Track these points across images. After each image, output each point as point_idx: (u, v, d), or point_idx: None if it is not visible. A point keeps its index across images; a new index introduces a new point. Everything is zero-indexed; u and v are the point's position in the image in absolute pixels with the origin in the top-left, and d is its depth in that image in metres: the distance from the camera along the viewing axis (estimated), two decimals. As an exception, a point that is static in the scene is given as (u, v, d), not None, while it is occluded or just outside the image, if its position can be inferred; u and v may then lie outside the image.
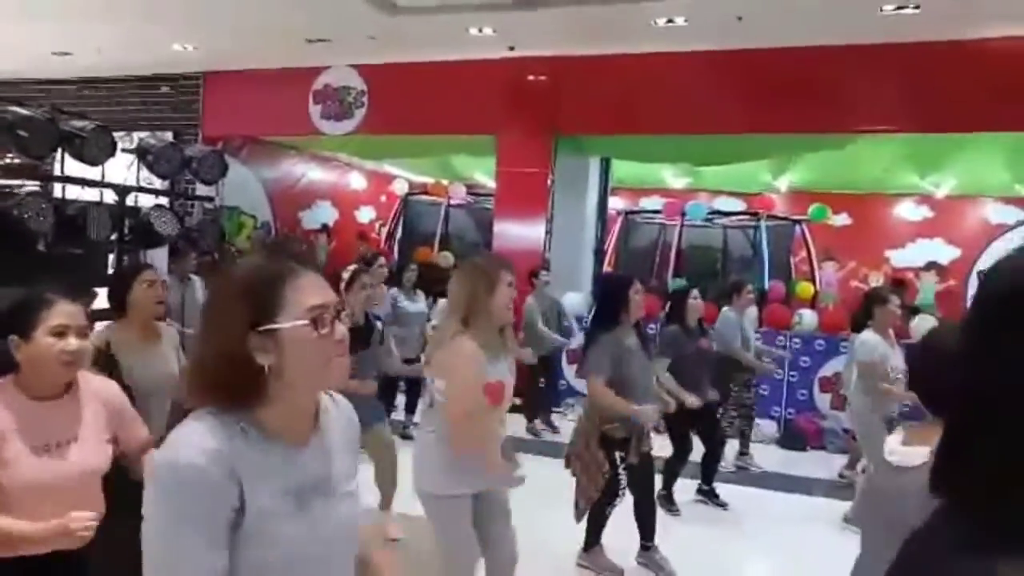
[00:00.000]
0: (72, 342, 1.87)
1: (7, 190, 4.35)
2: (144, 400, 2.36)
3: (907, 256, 10.38)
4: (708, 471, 5.06)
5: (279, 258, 1.24)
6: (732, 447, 5.87)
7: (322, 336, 1.18)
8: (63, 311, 1.88)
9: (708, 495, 5.08)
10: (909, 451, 1.58)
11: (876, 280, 10.03)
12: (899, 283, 8.80)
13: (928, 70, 6.28)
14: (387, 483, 4.17)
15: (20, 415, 1.83)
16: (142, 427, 2.09)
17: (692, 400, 4.34)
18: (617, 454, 3.66)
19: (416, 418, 5.91)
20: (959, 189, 9.82)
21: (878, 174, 9.18)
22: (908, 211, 10.64)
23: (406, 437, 5.55)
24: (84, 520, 1.77)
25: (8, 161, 5.79)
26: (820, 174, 9.49)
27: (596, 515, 3.84)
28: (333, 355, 1.21)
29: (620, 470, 3.68)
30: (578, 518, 3.76)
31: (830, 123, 6.79)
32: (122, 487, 1.94)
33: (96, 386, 2.03)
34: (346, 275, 4.05)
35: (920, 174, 9.29)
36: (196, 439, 1.14)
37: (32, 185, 5.11)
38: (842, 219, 10.41)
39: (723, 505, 5.04)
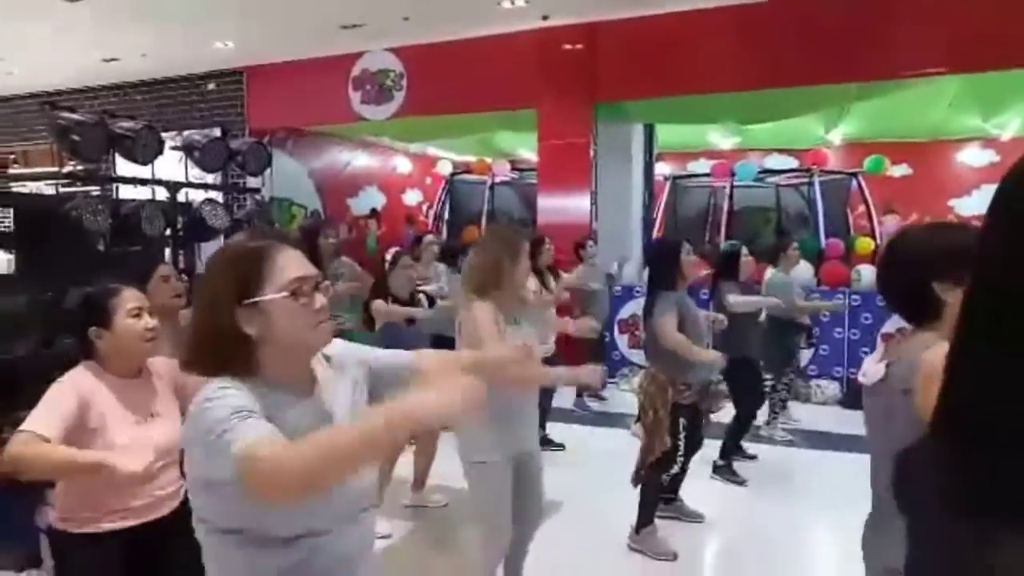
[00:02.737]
0: (148, 320, 2.04)
1: (68, 195, 4.51)
2: None
3: (973, 204, 9.88)
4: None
5: (262, 237, 1.37)
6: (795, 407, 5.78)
7: (303, 305, 1.29)
8: (132, 295, 2.05)
9: (736, 451, 4.97)
10: (877, 368, 1.53)
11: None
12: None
13: (977, 6, 5.93)
14: (426, 459, 4.26)
15: (112, 389, 1.98)
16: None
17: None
18: (682, 421, 3.63)
19: None
20: (1026, 129, 9.31)
21: (938, 120, 8.77)
22: (972, 157, 10.15)
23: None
24: (126, 465, 1.85)
25: (70, 168, 6.04)
26: (875, 124, 9.11)
27: (650, 488, 3.72)
28: (316, 321, 1.31)
29: (680, 439, 3.65)
30: (635, 482, 3.73)
31: (880, 69, 6.49)
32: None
33: (156, 365, 2.15)
34: (389, 256, 4.17)
35: (983, 116, 8.82)
36: (228, 389, 1.23)
37: (91, 188, 5.32)
38: (902, 169, 10.01)
39: (753, 457, 5.06)
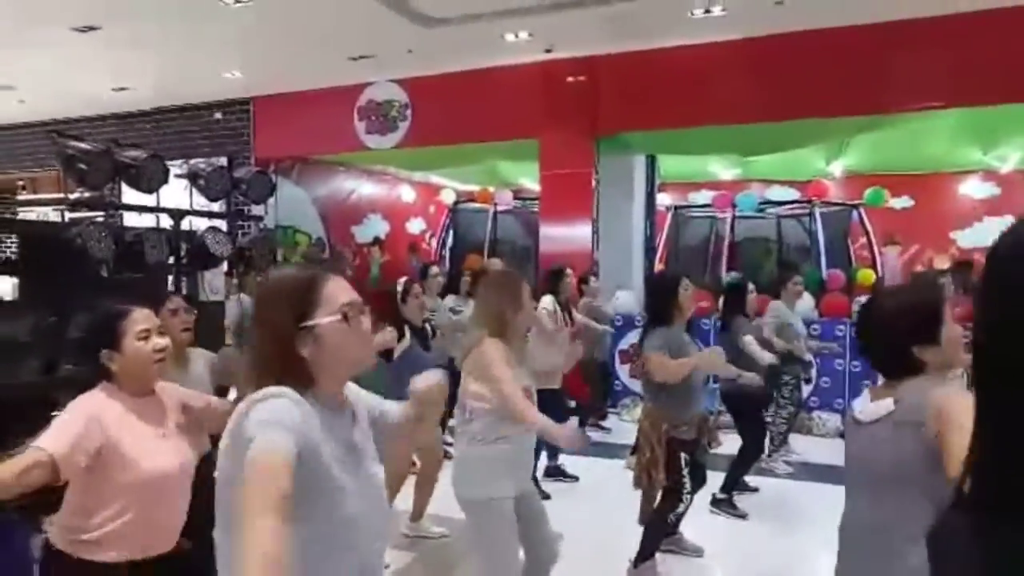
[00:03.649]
0: (158, 341, 2.07)
1: (73, 222, 4.56)
2: None
3: (973, 236, 9.93)
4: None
5: (311, 266, 1.53)
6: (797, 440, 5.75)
7: (352, 328, 1.42)
8: (141, 316, 2.07)
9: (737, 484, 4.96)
10: (876, 406, 1.65)
11: (942, 263, 9.64)
12: (960, 265, 8.43)
13: (977, 40, 6.03)
14: (427, 489, 4.23)
15: (128, 408, 2.00)
16: (204, 396, 2.24)
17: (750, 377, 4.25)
18: (683, 457, 3.59)
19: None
20: (1026, 163, 9.37)
21: (938, 152, 8.83)
22: (973, 189, 10.21)
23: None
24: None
25: (77, 195, 6.10)
26: (876, 156, 9.18)
27: (655, 526, 3.68)
28: (364, 341, 1.47)
29: (684, 474, 3.60)
30: (641, 520, 3.69)
31: (879, 103, 6.57)
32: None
33: (167, 388, 2.18)
34: (400, 287, 4.18)
35: (983, 149, 8.90)
36: (282, 398, 1.32)
37: (96, 215, 5.38)
38: (903, 201, 10.06)
39: (754, 489, 5.06)
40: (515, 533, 2.63)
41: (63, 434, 1.84)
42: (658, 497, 3.65)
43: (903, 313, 1.60)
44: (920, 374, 1.56)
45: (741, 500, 4.79)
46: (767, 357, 4.62)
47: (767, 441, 5.39)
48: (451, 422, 5.98)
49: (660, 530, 3.71)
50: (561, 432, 2.64)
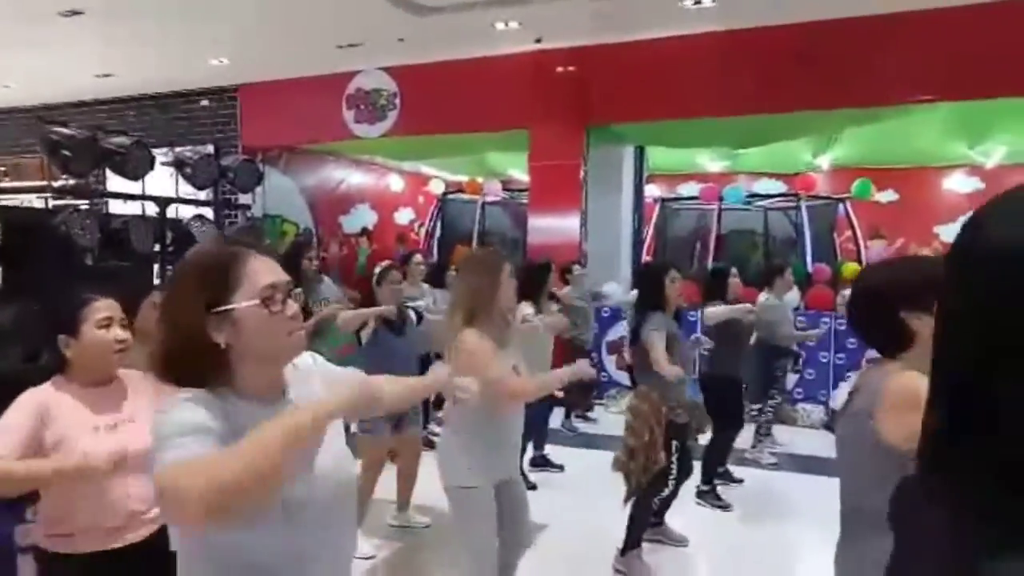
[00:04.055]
0: (119, 332, 2.04)
1: (58, 209, 4.52)
2: None
3: (957, 231, 9.99)
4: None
5: (231, 243, 1.34)
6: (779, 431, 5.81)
7: (274, 313, 1.26)
8: (104, 305, 2.04)
9: (723, 475, 5.02)
10: (839, 396, 1.66)
11: (927, 256, 9.71)
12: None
13: (967, 34, 6.04)
14: (408, 479, 4.27)
15: (75, 398, 1.98)
16: None
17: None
18: (675, 443, 3.66)
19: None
20: (1010, 158, 9.42)
21: (926, 146, 8.89)
22: (958, 183, 10.27)
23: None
24: (99, 458, 1.86)
25: (61, 182, 6.04)
26: (864, 150, 9.22)
27: (640, 510, 3.71)
28: (288, 329, 1.28)
29: (673, 459, 3.67)
30: (626, 501, 3.71)
31: (869, 96, 6.59)
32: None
33: (135, 375, 2.15)
34: (378, 271, 4.19)
35: (969, 144, 8.96)
36: (188, 402, 1.20)
37: (81, 203, 5.33)
38: (888, 195, 10.11)
39: (739, 481, 5.08)
40: (492, 519, 2.65)
41: (11, 434, 1.84)
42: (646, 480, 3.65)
43: (896, 278, 1.55)
44: (911, 347, 1.50)
45: (726, 491, 4.83)
46: (729, 310, 4.60)
47: (752, 431, 5.44)
48: (438, 413, 6.01)
49: (645, 515, 3.75)
50: (566, 373, 2.71)
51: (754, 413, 5.41)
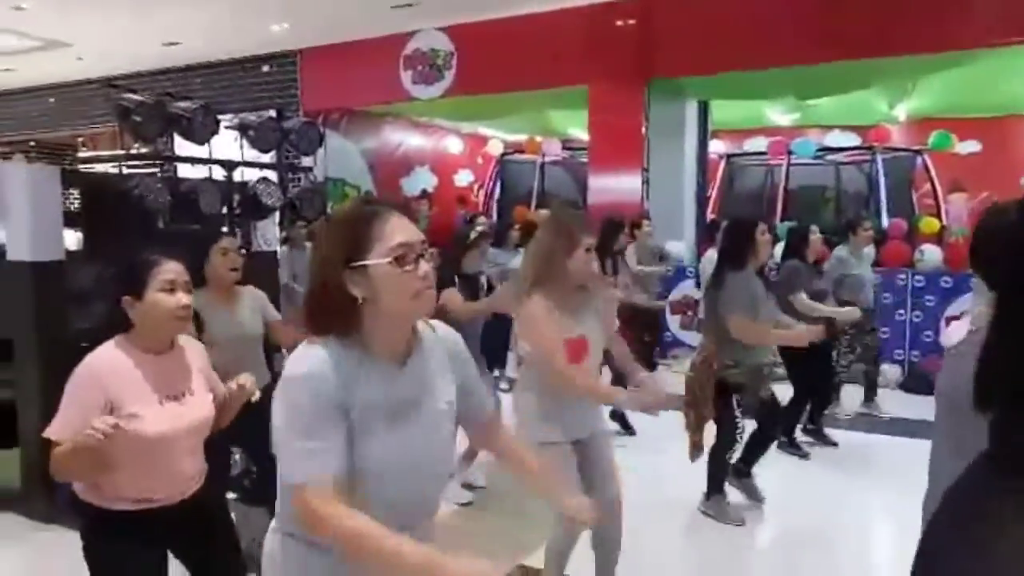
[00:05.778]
0: (182, 297, 2.01)
1: (131, 175, 4.65)
2: (221, 355, 2.44)
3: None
4: (817, 413, 5.00)
5: (374, 202, 1.41)
6: (850, 393, 5.62)
7: (405, 272, 1.31)
8: (169, 269, 2.01)
9: (816, 435, 4.99)
10: (954, 332, 1.55)
11: (1012, 210, 9.16)
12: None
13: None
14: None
15: (142, 367, 1.96)
16: (219, 382, 2.20)
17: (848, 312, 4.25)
18: (735, 398, 3.65)
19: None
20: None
21: (1010, 94, 8.33)
22: (1047, 132, 9.63)
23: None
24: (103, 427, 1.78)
25: (134, 150, 6.23)
26: (944, 99, 8.71)
27: (717, 463, 3.78)
28: (418, 289, 1.33)
29: (737, 414, 3.67)
30: (693, 457, 3.71)
31: (951, 39, 6.18)
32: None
33: (192, 345, 2.15)
34: (474, 235, 4.14)
35: (1060, 89, 8.35)
36: (317, 353, 1.32)
37: (152, 169, 5.48)
38: (971, 146, 9.55)
39: (834, 444, 4.99)
40: (573, 474, 2.61)
41: (69, 414, 1.85)
42: (704, 436, 3.66)
43: None
44: None
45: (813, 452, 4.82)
46: (824, 310, 4.47)
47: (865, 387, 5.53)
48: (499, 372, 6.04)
49: (720, 468, 3.80)
50: (621, 396, 2.65)
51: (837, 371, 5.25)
